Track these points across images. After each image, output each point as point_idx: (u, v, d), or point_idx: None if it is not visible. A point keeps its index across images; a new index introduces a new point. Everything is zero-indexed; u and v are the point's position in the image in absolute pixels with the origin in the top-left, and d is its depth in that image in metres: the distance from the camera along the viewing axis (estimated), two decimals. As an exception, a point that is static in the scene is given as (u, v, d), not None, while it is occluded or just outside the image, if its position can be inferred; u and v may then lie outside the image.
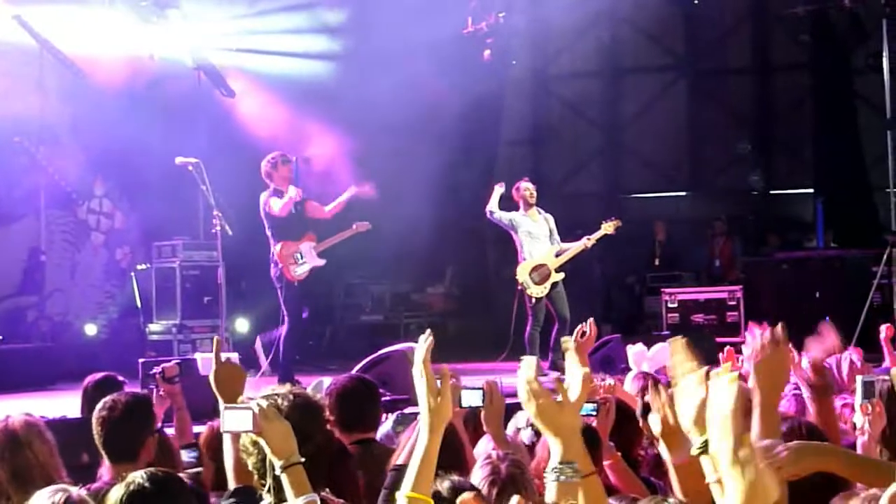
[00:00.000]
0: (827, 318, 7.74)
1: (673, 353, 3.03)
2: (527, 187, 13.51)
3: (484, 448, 4.96)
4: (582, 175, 21.77)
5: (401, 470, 4.44)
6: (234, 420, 3.44)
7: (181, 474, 4.37)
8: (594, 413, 5.13)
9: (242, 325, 16.21)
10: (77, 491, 3.74)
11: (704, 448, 2.96)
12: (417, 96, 16.83)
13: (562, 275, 13.35)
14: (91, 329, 15.90)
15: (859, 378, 4.90)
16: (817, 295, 15.75)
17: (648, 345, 10.11)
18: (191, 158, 12.34)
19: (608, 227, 13.48)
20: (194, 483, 4.68)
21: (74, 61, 15.16)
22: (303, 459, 3.41)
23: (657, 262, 19.18)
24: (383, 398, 7.19)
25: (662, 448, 3.55)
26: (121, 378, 7.04)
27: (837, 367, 6.73)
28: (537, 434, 4.90)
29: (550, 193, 15.46)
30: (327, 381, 8.26)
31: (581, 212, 18.75)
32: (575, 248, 13.45)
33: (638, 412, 5.73)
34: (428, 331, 3.59)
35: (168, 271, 15.12)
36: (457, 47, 17.24)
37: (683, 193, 21.73)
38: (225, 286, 13.17)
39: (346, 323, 18.57)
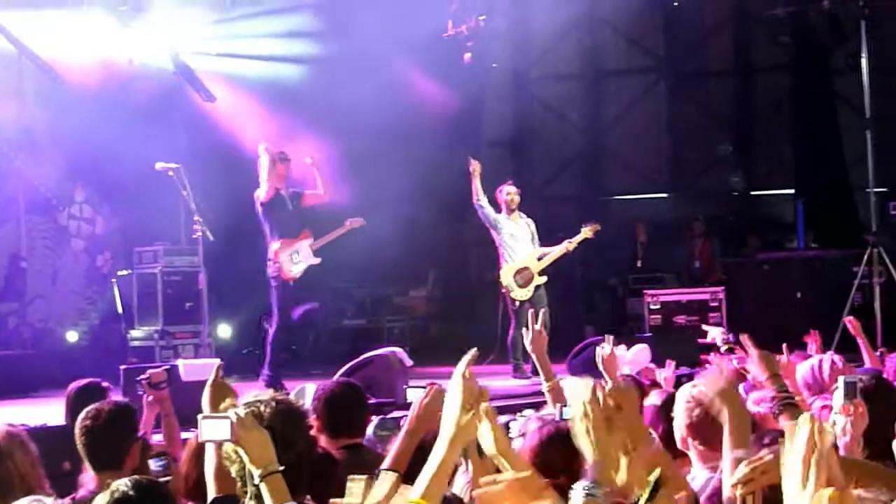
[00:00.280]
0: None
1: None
2: (509, 191, 13.55)
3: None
4: (563, 177, 21.78)
5: (381, 476, 4.43)
6: (212, 429, 3.42)
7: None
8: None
9: (225, 330, 16.17)
10: (52, 501, 3.72)
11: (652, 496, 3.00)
12: (398, 99, 16.81)
13: (544, 278, 13.39)
14: (72, 336, 15.84)
15: (841, 378, 4.91)
16: (798, 295, 15.81)
17: (630, 346, 10.14)
18: (171, 164, 12.31)
19: (587, 232, 13.59)
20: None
21: (53, 66, 15.11)
22: (282, 468, 3.38)
23: (639, 264, 19.21)
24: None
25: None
26: (105, 384, 7.01)
27: (819, 367, 6.76)
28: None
29: (531, 196, 15.44)
30: (310, 386, 8.26)
31: (562, 214, 18.78)
32: (557, 251, 13.52)
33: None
34: (474, 349, 3.54)
35: (149, 277, 15.07)
36: (437, 50, 17.24)
37: (664, 195, 21.76)
38: (207, 292, 13.14)
39: (329, 327, 18.53)
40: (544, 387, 5.98)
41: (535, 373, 12.40)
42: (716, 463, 4.54)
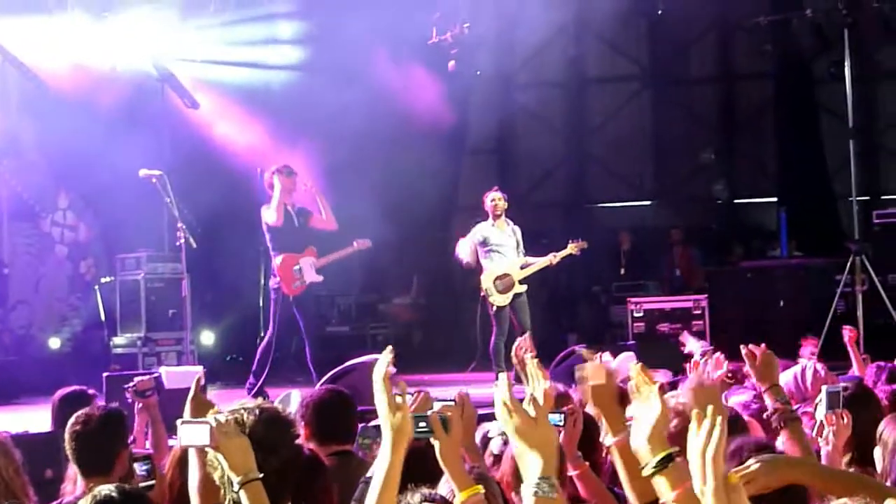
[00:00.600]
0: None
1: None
2: (493, 197, 13.54)
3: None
4: (547, 185, 21.80)
5: (370, 482, 4.44)
6: (191, 434, 3.41)
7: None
8: (561, 424, 5.11)
9: (208, 337, 16.15)
10: None
11: (658, 468, 2.99)
12: (382, 107, 16.81)
13: (525, 287, 13.40)
14: (55, 342, 15.79)
15: (824, 388, 4.93)
16: (781, 303, 15.85)
17: (615, 355, 10.14)
18: (154, 171, 12.28)
19: (573, 248, 13.60)
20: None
21: (37, 73, 15.07)
22: (261, 475, 3.37)
23: (622, 272, 19.23)
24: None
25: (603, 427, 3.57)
26: (91, 391, 7.02)
27: (802, 376, 6.78)
28: (506, 444, 4.89)
29: (515, 203, 15.42)
30: (295, 393, 8.26)
31: (546, 221, 18.81)
32: (540, 263, 13.52)
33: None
34: (389, 347, 3.57)
35: (132, 284, 15.04)
36: (422, 58, 17.25)
37: (648, 203, 21.80)
38: (190, 298, 13.12)
39: (312, 334, 18.49)
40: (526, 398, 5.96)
41: (518, 381, 12.44)
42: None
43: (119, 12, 15.52)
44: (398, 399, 3.49)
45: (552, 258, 13.55)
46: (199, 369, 10.75)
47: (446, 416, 3.59)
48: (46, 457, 6.81)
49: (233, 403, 3.69)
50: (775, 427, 4.55)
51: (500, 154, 22.11)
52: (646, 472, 3.04)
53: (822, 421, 4.84)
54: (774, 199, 20.06)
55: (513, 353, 6.01)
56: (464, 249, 13.63)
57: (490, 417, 6.47)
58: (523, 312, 13.27)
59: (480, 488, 3.58)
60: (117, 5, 15.66)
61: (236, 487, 3.36)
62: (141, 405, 6.61)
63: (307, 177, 12.81)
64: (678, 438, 4.72)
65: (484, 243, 13.47)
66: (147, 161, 12.73)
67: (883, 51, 19.35)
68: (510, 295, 13.32)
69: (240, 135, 16.50)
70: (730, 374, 7.90)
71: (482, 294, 13.43)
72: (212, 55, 16.98)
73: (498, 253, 13.44)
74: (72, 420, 5.21)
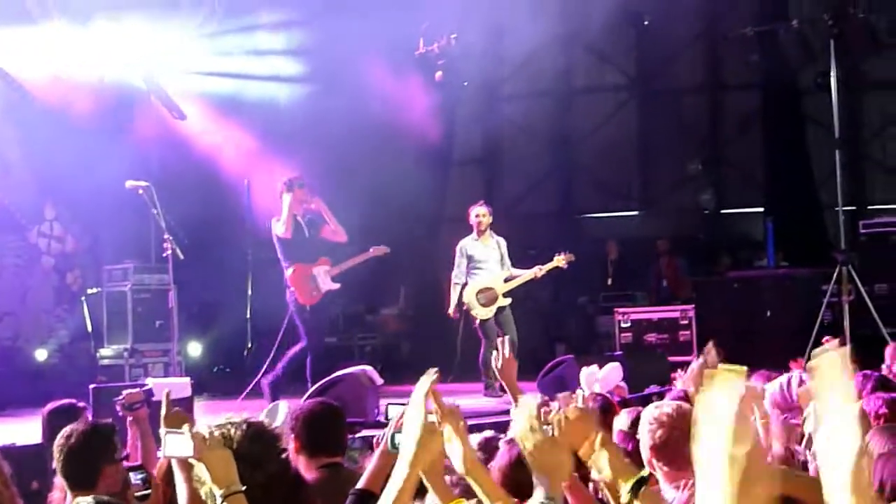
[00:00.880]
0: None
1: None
2: (478, 213, 13.51)
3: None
4: (534, 195, 21.81)
5: (360, 494, 4.43)
6: (175, 445, 3.41)
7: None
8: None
9: (195, 348, 16.13)
10: None
11: (632, 493, 3.01)
12: (370, 117, 16.83)
13: (509, 300, 13.40)
14: (42, 354, 15.75)
15: (813, 404, 4.92)
16: (768, 314, 15.86)
17: (601, 365, 10.16)
18: (141, 182, 12.26)
19: (560, 261, 13.58)
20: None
21: (21, 84, 15.04)
22: (243, 488, 3.35)
23: (610, 282, 19.24)
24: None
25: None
26: (81, 404, 7.04)
27: (788, 385, 6.78)
28: (487, 460, 4.87)
29: (503, 214, 15.47)
30: (282, 404, 8.23)
31: (534, 232, 18.81)
32: (525, 276, 13.50)
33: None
34: (435, 369, 3.55)
35: (119, 295, 15.02)
36: (409, 69, 17.25)
37: (635, 213, 21.82)
38: (177, 310, 13.10)
39: (318, 346, 18.50)
40: (513, 411, 5.97)
41: (503, 391, 12.45)
42: (681, 482, 4.56)
43: (105, 22, 15.48)
44: (434, 420, 3.46)
45: (537, 271, 13.54)
46: (187, 381, 10.76)
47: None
48: (33, 469, 6.80)
49: (219, 417, 3.68)
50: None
51: (488, 164, 22.13)
52: (623, 499, 3.07)
53: (811, 434, 4.84)
54: (761, 209, 20.09)
55: (494, 365, 6.02)
56: (455, 297, 13.56)
57: (476, 428, 6.47)
58: (508, 326, 13.26)
59: (464, 501, 3.57)
60: (103, 15, 15.62)
61: (219, 501, 3.35)
62: (131, 418, 6.58)
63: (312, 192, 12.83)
64: (663, 449, 4.75)
65: (469, 261, 13.48)
66: (134, 172, 12.72)
67: (869, 61, 19.40)
68: (494, 308, 13.32)
69: (227, 146, 16.50)
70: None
71: (464, 308, 13.42)
72: (199, 66, 16.96)
73: (482, 269, 13.46)
74: (60, 434, 5.23)
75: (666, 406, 4.92)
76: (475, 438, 5.47)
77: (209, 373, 16.19)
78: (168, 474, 5.39)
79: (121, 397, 6.63)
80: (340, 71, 16.85)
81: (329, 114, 16.61)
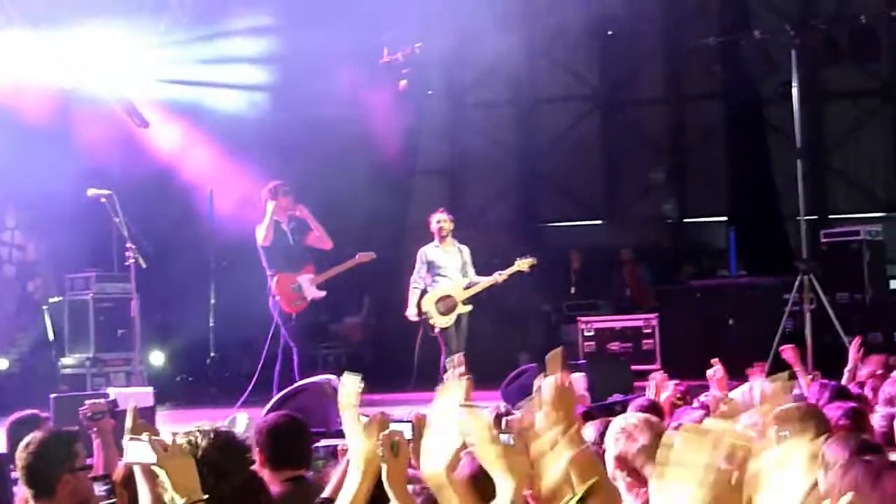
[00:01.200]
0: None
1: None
2: (438, 219, 13.47)
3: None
4: (498, 204, 21.85)
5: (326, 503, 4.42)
6: (137, 451, 3.38)
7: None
8: (512, 444, 5.09)
9: (157, 357, 16.04)
10: None
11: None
12: (334, 127, 16.80)
13: (469, 307, 13.35)
14: (2, 363, 15.60)
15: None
16: (731, 322, 15.94)
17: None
18: (103, 190, 12.21)
19: (522, 265, 13.48)
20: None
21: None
22: (205, 497, 3.33)
23: (573, 291, 19.28)
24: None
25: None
26: (44, 415, 7.04)
27: (749, 394, 6.80)
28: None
29: (467, 223, 15.49)
30: (241, 415, 8.21)
31: (498, 241, 18.79)
32: (485, 282, 13.42)
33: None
34: (357, 374, 3.54)
35: (81, 304, 14.94)
36: (373, 77, 17.24)
37: (599, 222, 21.89)
38: (139, 319, 13.03)
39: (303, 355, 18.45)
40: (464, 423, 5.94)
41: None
42: (644, 497, 4.58)
43: (67, 29, 15.38)
44: (367, 426, 3.45)
45: (497, 277, 13.45)
46: (149, 390, 10.72)
47: (396, 441, 3.57)
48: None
49: (189, 425, 3.66)
50: None
51: (451, 174, 22.15)
52: None
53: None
54: (724, 219, 20.20)
55: (445, 375, 6.01)
56: (413, 300, 13.52)
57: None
58: (460, 333, 13.21)
59: None
60: (66, 22, 15.52)
61: None
62: (95, 429, 6.52)
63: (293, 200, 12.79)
64: (625, 459, 4.77)
65: (429, 267, 13.44)
66: (96, 180, 12.66)
67: (830, 71, 19.54)
68: (453, 316, 13.26)
69: (189, 154, 16.43)
70: (679, 396, 7.94)
71: (423, 317, 13.38)
72: (162, 73, 16.88)
73: (442, 276, 13.41)
74: (21, 442, 5.22)
75: (633, 417, 4.95)
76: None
77: (172, 382, 16.10)
78: (128, 481, 5.36)
79: (84, 407, 6.58)
80: (304, 79, 16.82)
81: (292, 122, 16.58)
